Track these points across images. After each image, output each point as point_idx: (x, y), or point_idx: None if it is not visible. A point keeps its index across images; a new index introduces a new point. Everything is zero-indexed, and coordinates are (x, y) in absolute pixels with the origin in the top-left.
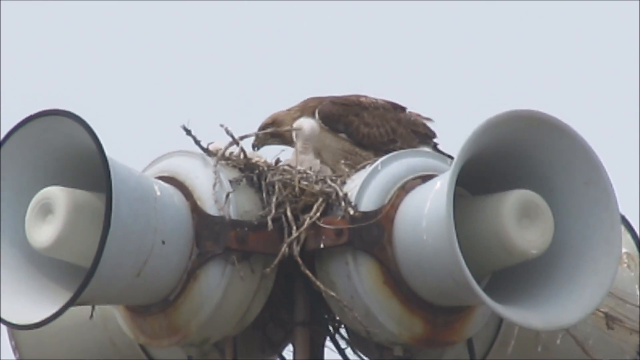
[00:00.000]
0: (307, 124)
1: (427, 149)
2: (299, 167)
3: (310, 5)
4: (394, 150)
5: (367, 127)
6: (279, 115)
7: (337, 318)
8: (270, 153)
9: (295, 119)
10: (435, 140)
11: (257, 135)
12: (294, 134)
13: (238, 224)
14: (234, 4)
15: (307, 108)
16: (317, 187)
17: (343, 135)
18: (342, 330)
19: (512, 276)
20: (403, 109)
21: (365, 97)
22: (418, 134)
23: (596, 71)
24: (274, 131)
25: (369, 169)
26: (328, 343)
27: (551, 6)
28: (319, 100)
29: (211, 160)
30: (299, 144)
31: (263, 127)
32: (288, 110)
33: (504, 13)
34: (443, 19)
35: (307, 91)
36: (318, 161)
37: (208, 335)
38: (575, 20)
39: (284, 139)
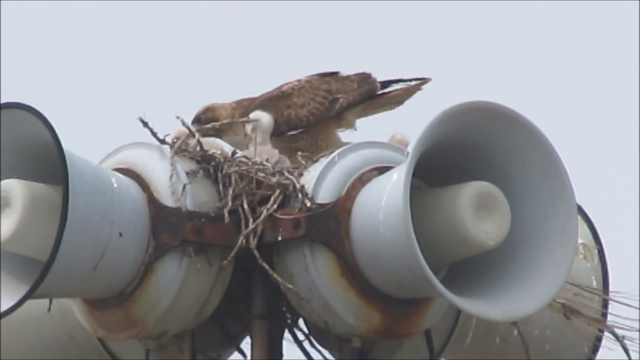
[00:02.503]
0: (266, 117)
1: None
2: (256, 159)
3: None
4: (342, 109)
5: (303, 107)
6: (214, 107)
7: (295, 310)
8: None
9: (230, 113)
10: (374, 76)
11: (200, 130)
12: (248, 127)
13: (195, 215)
14: None
15: (241, 107)
16: (274, 179)
17: (292, 132)
18: (301, 323)
19: (470, 268)
20: (333, 73)
21: (287, 83)
22: (354, 80)
23: (553, 65)
24: (230, 122)
25: (325, 160)
26: (286, 335)
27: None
28: (251, 100)
29: (168, 152)
30: (258, 136)
31: (198, 117)
32: (222, 104)
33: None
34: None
35: (261, 85)
36: (277, 151)
37: (166, 328)
38: (533, 18)
39: (221, 132)
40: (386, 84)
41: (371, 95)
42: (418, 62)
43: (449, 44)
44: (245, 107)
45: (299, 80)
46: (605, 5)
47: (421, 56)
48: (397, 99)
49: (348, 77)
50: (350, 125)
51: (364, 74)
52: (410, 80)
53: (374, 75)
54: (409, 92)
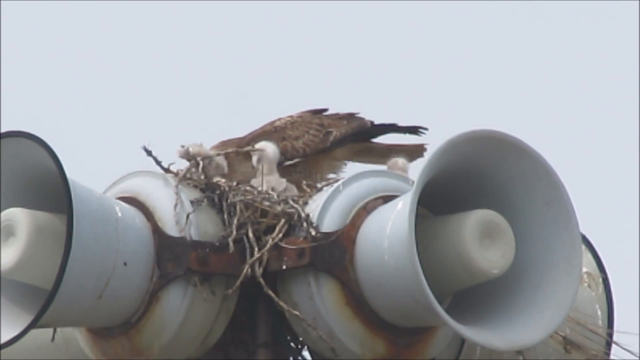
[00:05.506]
0: (271, 146)
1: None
2: (260, 188)
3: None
4: (335, 142)
5: (298, 139)
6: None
7: (300, 339)
8: None
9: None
10: (359, 115)
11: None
12: (254, 158)
13: (199, 245)
14: (193, 21)
15: (228, 147)
16: (279, 208)
17: (289, 162)
18: (305, 352)
19: (474, 296)
20: (323, 110)
21: (279, 119)
22: (343, 117)
23: (558, 94)
24: (236, 151)
25: (330, 189)
26: None
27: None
28: (239, 139)
29: (172, 181)
30: (265, 166)
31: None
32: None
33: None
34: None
35: (270, 113)
36: (284, 180)
37: (170, 357)
38: (536, 46)
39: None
40: (380, 127)
41: (362, 129)
42: (421, 90)
43: (452, 72)
44: (236, 145)
45: (291, 116)
46: (605, 37)
47: (425, 84)
48: (390, 153)
49: (337, 114)
50: (340, 162)
51: (350, 113)
52: (405, 128)
53: (360, 114)
54: (407, 150)
